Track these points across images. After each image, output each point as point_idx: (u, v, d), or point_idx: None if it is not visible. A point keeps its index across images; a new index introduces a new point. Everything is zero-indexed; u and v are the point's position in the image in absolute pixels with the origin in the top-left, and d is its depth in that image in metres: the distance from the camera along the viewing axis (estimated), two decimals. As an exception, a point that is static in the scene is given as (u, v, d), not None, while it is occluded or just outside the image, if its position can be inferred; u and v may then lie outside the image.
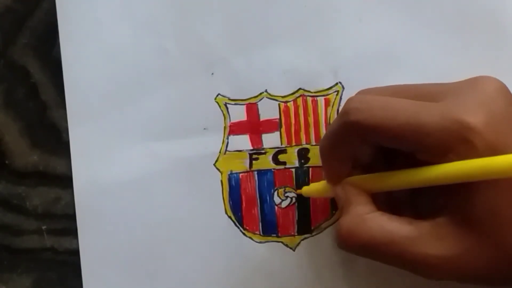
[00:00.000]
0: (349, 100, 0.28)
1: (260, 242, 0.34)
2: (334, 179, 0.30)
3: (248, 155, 0.35)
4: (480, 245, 0.26)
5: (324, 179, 0.31)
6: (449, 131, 0.25)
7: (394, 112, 0.27)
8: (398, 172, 0.28)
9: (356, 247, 0.28)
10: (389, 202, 0.30)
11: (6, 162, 0.36)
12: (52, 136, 0.35)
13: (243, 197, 0.35)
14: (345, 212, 0.29)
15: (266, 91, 0.35)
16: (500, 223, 0.26)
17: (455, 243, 0.26)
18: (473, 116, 0.25)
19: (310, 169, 0.34)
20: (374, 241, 0.27)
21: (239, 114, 0.35)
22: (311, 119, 0.34)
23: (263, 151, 0.35)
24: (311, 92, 0.34)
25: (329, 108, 0.34)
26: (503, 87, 0.28)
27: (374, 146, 0.30)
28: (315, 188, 0.33)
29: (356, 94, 0.32)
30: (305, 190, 0.34)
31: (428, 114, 0.26)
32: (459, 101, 0.26)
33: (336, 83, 0.34)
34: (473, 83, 0.28)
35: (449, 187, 0.26)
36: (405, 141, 0.27)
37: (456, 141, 0.25)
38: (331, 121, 0.34)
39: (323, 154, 0.30)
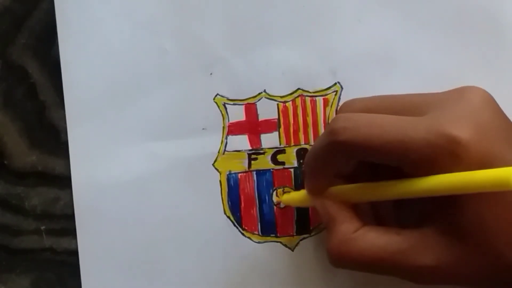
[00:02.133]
0: (335, 119, 0.28)
1: (258, 242, 0.34)
2: (316, 191, 0.30)
3: (246, 155, 0.35)
4: (468, 254, 0.26)
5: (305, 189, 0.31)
6: (436, 146, 0.25)
7: (380, 129, 0.26)
8: (382, 183, 0.28)
9: (348, 265, 0.29)
10: (371, 212, 0.31)
11: (5, 162, 0.36)
12: (51, 136, 0.35)
13: (242, 197, 0.35)
14: (331, 232, 0.29)
15: (264, 91, 0.35)
16: (487, 235, 0.26)
17: (444, 252, 0.26)
18: (459, 129, 0.25)
19: (309, 169, 0.34)
20: (365, 259, 0.28)
21: (237, 114, 0.35)
22: (309, 119, 0.34)
23: (261, 151, 0.35)
24: (310, 92, 0.34)
25: (328, 108, 0.34)
26: (489, 98, 0.27)
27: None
28: (295, 197, 0.33)
29: (341, 107, 0.32)
30: (285, 198, 0.34)
31: (414, 129, 0.26)
32: (444, 113, 0.26)
33: (335, 83, 0.34)
34: (459, 94, 0.28)
35: (436, 197, 0.26)
36: (392, 157, 0.27)
37: (442, 155, 0.25)
38: (329, 121, 0.34)
39: (308, 169, 0.30)
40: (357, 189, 0.29)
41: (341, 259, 0.28)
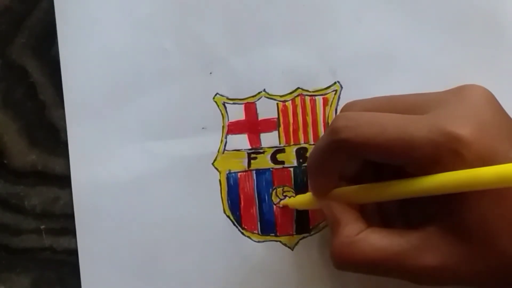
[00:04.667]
0: (337, 118, 0.28)
1: (258, 242, 0.34)
2: (321, 192, 0.30)
3: (246, 155, 0.35)
4: (472, 253, 0.26)
5: (310, 192, 0.31)
6: (438, 144, 0.25)
7: (382, 128, 0.26)
8: (386, 183, 0.28)
9: (351, 268, 0.29)
10: (379, 213, 0.31)
11: (5, 161, 0.36)
12: (51, 135, 0.35)
13: (242, 196, 0.35)
14: (334, 233, 0.29)
15: (264, 90, 0.35)
16: (490, 233, 0.25)
17: (447, 252, 0.26)
18: (461, 127, 0.25)
19: (309, 168, 0.34)
20: (368, 261, 0.28)
21: (237, 113, 0.35)
22: (309, 119, 0.34)
23: (261, 151, 0.35)
24: (310, 92, 0.34)
25: (328, 108, 0.34)
26: (490, 96, 0.27)
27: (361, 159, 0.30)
28: (301, 200, 0.33)
29: (342, 109, 0.32)
30: (291, 202, 0.34)
31: (416, 128, 0.26)
32: (446, 112, 0.26)
33: (335, 82, 0.34)
34: (460, 92, 0.28)
35: (439, 196, 0.26)
36: (394, 156, 0.27)
37: (444, 153, 0.25)
38: (329, 121, 0.34)
39: (311, 169, 0.30)
40: (361, 190, 0.29)
41: (344, 262, 0.28)
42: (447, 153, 0.25)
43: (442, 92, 0.29)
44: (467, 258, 0.26)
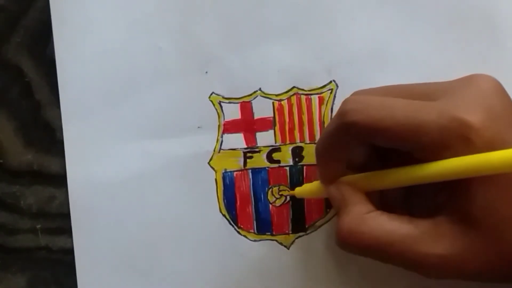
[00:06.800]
0: (346, 101, 0.28)
1: (254, 241, 0.34)
2: (329, 179, 0.30)
3: (242, 154, 0.35)
4: (479, 243, 0.26)
5: (318, 179, 0.31)
6: (447, 129, 0.25)
7: (391, 112, 0.26)
8: (394, 170, 0.28)
9: (357, 247, 0.28)
10: (382, 202, 0.31)
11: (1, 161, 0.36)
12: (46, 135, 0.35)
13: (238, 195, 0.35)
14: (343, 212, 0.29)
15: (260, 89, 0.35)
16: (498, 221, 0.26)
17: (455, 241, 0.26)
18: (471, 113, 0.25)
19: (304, 167, 0.34)
20: (375, 240, 0.27)
21: (233, 112, 0.35)
22: (305, 118, 0.34)
23: (257, 150, 0.35)
24: (305, 91, 0.34)
25: (323, 106, 0.34)
26: (498, 85, 0.28)
27: (368, 146, 0.30)
28: (308, 188, 0.33)
29: (351, 95, 0.32)
30: (298, 191, 0.34)
31: (426, 113, 0.26)
32: (455, 99, 0.27)
33: (330, 81, 0.34)
34: (468, 81, 0.28)
35: (447, 185, 0.26)
36: (403, 141, 0.27)
37: (454, 139, 0.25)
38: (325, 119, 0.34)
39: (319, 154, 0.30)
40: (369, 177, 0.29)
41: (350, 238, 0.28)
42: (456, 138, 0.25)
43: (451, 81, 0.29)
44: (475, 248, 0.26)
